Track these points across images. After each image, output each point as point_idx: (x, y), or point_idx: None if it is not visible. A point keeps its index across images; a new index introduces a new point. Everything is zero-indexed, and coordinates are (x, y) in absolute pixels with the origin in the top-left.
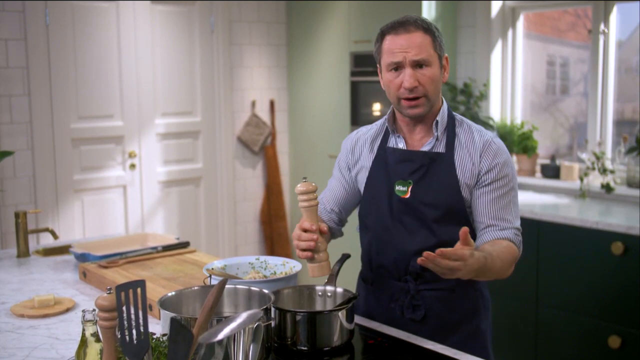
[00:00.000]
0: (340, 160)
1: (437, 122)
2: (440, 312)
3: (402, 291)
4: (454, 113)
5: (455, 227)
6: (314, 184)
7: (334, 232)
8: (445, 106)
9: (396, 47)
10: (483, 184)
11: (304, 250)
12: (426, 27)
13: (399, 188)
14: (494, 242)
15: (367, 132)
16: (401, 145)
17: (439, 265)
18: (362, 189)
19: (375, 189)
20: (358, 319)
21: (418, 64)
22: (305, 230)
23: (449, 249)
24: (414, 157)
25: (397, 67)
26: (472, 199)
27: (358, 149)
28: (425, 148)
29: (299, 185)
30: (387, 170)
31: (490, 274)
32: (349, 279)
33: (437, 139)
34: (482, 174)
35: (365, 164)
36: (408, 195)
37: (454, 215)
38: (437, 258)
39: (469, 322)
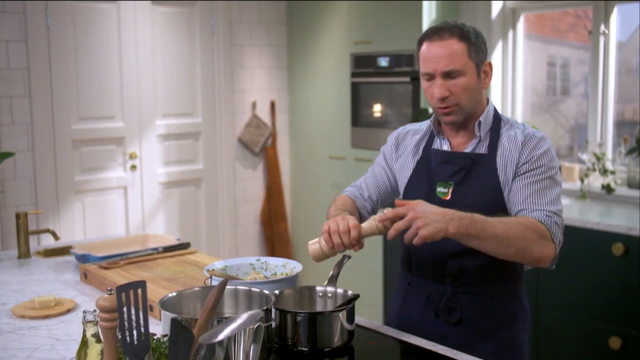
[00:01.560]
0: (385, 151)
1: (479, 122)
2: (476, 317)
3: (439, 293)
4: (501, 114)
5: None
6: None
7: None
8: (490, 107)
9: (429, 56)
10: (518, 173)
11: (333, 236)
12: (462, 34)
13: (440, 190)
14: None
15: (415, 133)
16: (445, 147)
17: (399, 229)
18: (400, 188)
19: (415, 190)
20: (358, 320)
21: (449, 74)
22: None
23: (389, 212)
24: (455, 158)
25: (430, 77)
26: (509, 191)
27: (403, 146)
28: (468, 150)
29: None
30: (428, 172)
31: (488, 235)
32: (350, 279)
33: (479, 140)
34: (519, 165)
35: (407, 163)
36: (449, 197)
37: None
38: (393, 228)
39: (506, 330)
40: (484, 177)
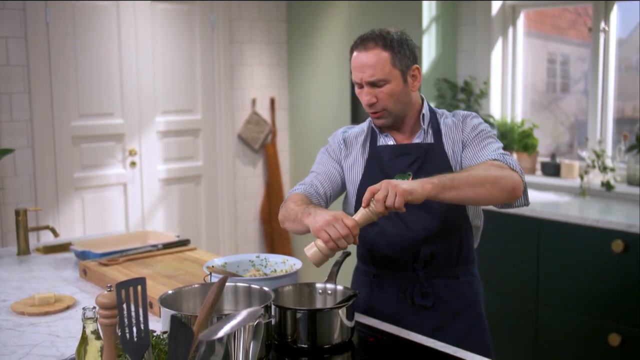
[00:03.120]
0: (332, 150)
1: (423, 115)
2: (448, 298)
3: (411, 280)
4: (434, 108)
5: (454, 208)
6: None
7: None
8: (426, 102)
9: (356, 65)
10: (465, 146)
11: (338, 242)
12: (386, 44)
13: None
14: None
15: (358, 135)
16: (391, 142)
17: (378, 195)
18: (348, 183)
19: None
20: (358, 317)
21: (375, 83)
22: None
23: (366, 193)
24: (409, 150)
25: (359, 85)
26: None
27: (350, 143)
28: (416, 141)
29: None
30: (382, 168)
31: (462, 182)
32: (350, 276)
33: (424, 132)
34: (463, 141)
35: (357, 162)
36: None
37: None
38: (368, 190)
39: (473, 308)
40: (437, 164)
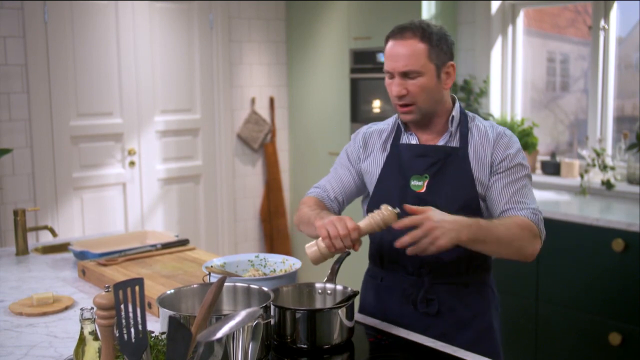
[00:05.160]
0: (351, 151)
1: (452, 117)
2: (454, 307)
3: (416, 285)
4: (467, 111)
5: (467, 213)
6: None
7: None
8: (458, 104)
9: (390, 54)
10: (496, 172)
11: (334, 241)
12: (424, 35)
13: (414, 183)
14: (505, 217)
15: (381, 132)
16: (414, 142)
17: (417, 238)
18: (369, 184)
19: (387, 185)
20: (358, 317)
21: (407, 74)
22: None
23: (405, 220)
24: (430, 152)
25: (390, 75)
26: (487, 188)
27: (372, 143)
28: (440, 143)
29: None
30: (400, 166)
31: (493, 238)
32: (350, 276)
33: (451, 135)
34: (495, 164)
35: (376, 160)
36: (424, 190)
37: (468, 210)
38: (408, 236)
39: (482, 318)
40: (458, 170)
